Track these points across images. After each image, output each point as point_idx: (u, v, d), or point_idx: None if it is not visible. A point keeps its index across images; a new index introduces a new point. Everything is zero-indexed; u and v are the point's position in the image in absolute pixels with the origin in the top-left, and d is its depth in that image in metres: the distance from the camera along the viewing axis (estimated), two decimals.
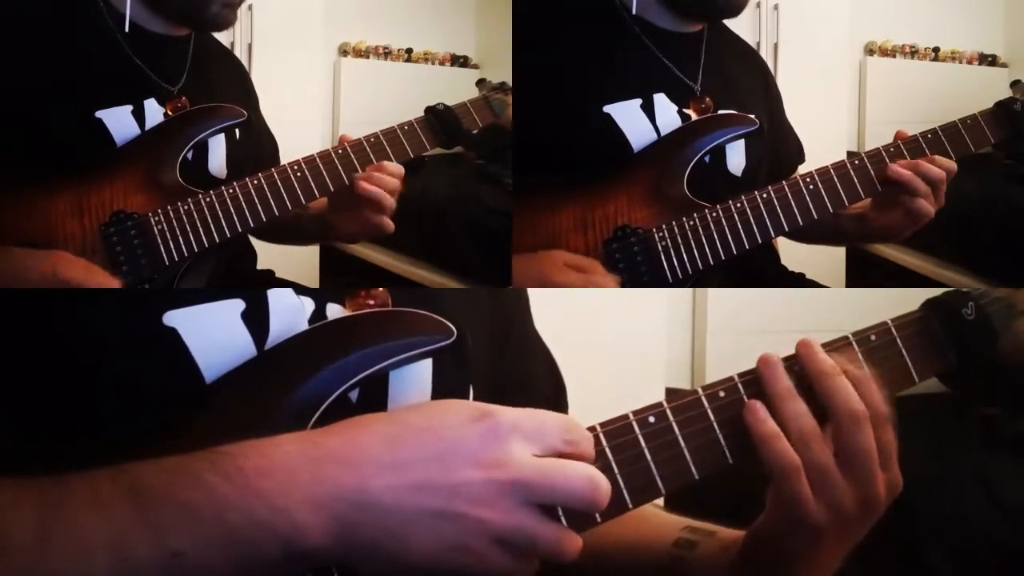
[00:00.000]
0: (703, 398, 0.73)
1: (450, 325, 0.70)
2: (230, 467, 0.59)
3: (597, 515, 0.66)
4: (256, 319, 0.69)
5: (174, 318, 0.67)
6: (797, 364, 0.74)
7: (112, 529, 0.58)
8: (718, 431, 0.72)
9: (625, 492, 0.68)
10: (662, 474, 0.70)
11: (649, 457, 0.69)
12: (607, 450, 0.68)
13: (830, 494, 0.71)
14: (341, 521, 0.59)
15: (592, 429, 0.69)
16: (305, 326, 0.71)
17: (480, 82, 1.45)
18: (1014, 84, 2.25)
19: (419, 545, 0.60)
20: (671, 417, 0.71)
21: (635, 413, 0.70)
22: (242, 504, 0.58)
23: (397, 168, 1.15)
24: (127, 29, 1.12)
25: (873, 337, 0.78)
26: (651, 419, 0.70)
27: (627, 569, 0.84)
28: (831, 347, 0.76)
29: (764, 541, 0.75)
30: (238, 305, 0.69)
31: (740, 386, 0.74)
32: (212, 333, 0.67)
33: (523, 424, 0.63)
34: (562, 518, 0.63)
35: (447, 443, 0.61)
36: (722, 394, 0.73)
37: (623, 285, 1.07)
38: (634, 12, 1.14)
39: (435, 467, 0.60)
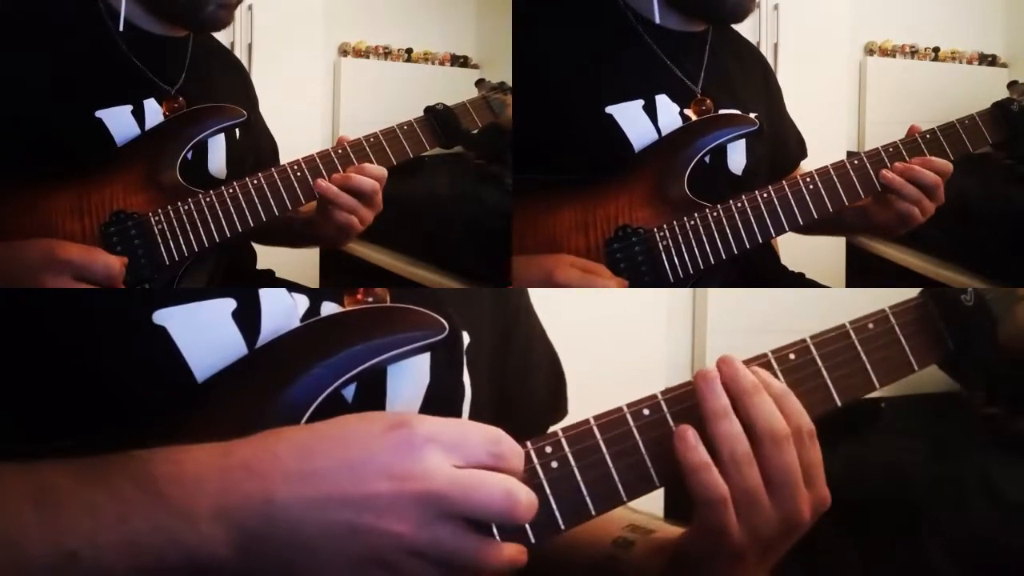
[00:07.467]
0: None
1: (442, 320, 0.70)
2: (141, 472, 0.58)
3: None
4: (247, 318, 0.69)
5: (164, 317, 0.67)
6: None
7: (9, 525, 0.57)
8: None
9: (620, 487, 0.68)
10: (656, 470, 0.70)
11: (644, 451, 0.69)
12: (601, 443, 0.68)
13: (755, 519, 0.68)
14: (246, 533, 0.57)
15: (586, 422, 0.69)
16: (297, 324, 0.70)
17: (479, 82, 1.45)
18: (1011, 85, 2.25)
19: (329, 558, 0.58)
20: (665, 408, 0.71)
21: (629, 406, 0.70)
22: (147, 510, 0.57)
23: (375, 170, 1.14)
24: (121, 28, 1.12)
25: (871, 325, 0.77)
26: (645, 411, 0.70)
27: (567, 567, 0.82)
28: (753, 362, 0.73)
29: (684, 562, 0.74)
30: (229, 304, 0.69)
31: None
32: (202, 332, 0.67)
33: (442, 435, 0.61)
34: (495, 530, 0.61)
35: (359, 454, 0.59)
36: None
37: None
38: (657, 22, 1.14)
39: (345, 478, 0.59)
